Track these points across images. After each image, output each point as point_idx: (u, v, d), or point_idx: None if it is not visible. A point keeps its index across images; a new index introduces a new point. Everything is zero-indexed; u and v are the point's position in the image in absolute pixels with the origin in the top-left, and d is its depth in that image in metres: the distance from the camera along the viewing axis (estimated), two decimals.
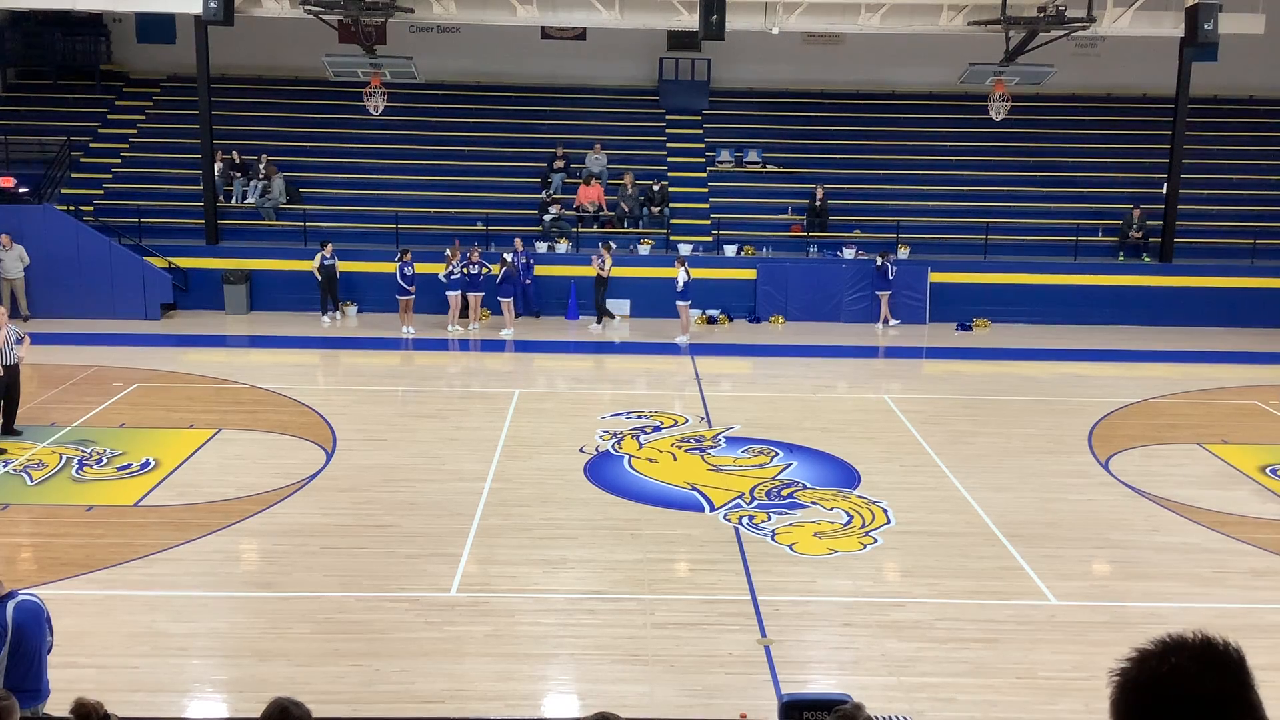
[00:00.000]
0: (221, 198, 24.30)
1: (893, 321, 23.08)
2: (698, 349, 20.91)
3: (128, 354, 19.38)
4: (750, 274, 23.63)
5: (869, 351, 21.20)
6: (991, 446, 15.20)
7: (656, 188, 25.01)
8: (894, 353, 21.34)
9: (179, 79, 26.81)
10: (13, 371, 14.56)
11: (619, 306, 23.59)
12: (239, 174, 24.84)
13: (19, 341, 14.67)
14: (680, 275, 21.30)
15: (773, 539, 11.68)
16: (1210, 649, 1.97)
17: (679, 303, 21.42)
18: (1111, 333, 22.82)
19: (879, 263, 22.86)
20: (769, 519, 12.22)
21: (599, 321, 22.53)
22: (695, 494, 13.00)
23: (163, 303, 22.68)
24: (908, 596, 10.40)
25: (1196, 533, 12.18)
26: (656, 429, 15.55)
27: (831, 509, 12.56)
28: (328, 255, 22.12)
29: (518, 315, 22.35)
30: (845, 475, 13.75)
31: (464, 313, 22.06)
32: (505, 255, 22.02)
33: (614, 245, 22.91)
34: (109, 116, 26.51)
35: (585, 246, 23.95)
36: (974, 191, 25.58)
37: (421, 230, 23.81)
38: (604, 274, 22.20)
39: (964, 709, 8.43)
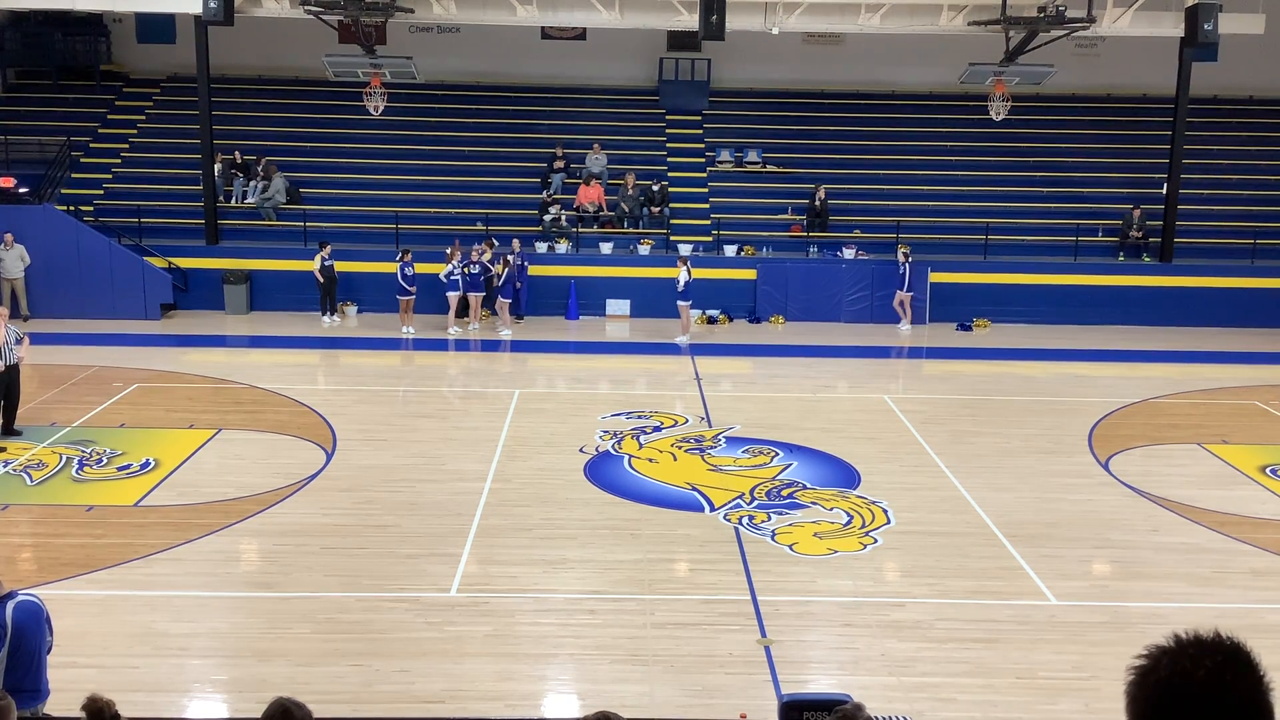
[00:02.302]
0: (221, 198, 24.30)
1: (905, 326, 22.89)
2: (698, 349, 20.90)
3: (128, 354, 19.37)
4: (750, 274, 23.62)
5: (869, 351, 21.18)
6: (991, 446, 15.19)
7: (656, 188, 25.00)
8: (894, 353, 21.34)
9: (179, 79, 26.81)
10: (13, 371, 14.56)
11: (619, 307, 23.60)
12: (240, 174, 24.85)
13: (18, 341, 14.67)
14: (681, 275, 21.28)
15: (773, 539, 11.67)
16: (1241, 654, 2.01)
17: (679, 303, 21.40)
18: (1111, 333, 22.82)
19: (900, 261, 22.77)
20: (769, 519, 12.21)
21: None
22: (695, 494, 13.00)
23: (163, 303, 22.68)
24: (908, 596, 10.39)
25: (1196, 533, 12.18)
26: (656, 429, 15.55)
27: (831, 509, 12.56)
28: (326, 256, 22.11)
29: (517, 317, 22.36)
30: (845, 475, 13.75)
31: (464, 312, 22.06)
32: (507, 256, 22.00)
33: (496, 241, 22.53)
34: (109, 116, 26.52)
35: (585, 247, 23.97)
36: (974, 191, 25.58)
37: (421, 230, 23.81)
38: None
39: (964, 709, 8.43)
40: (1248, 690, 1.98)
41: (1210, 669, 1.98)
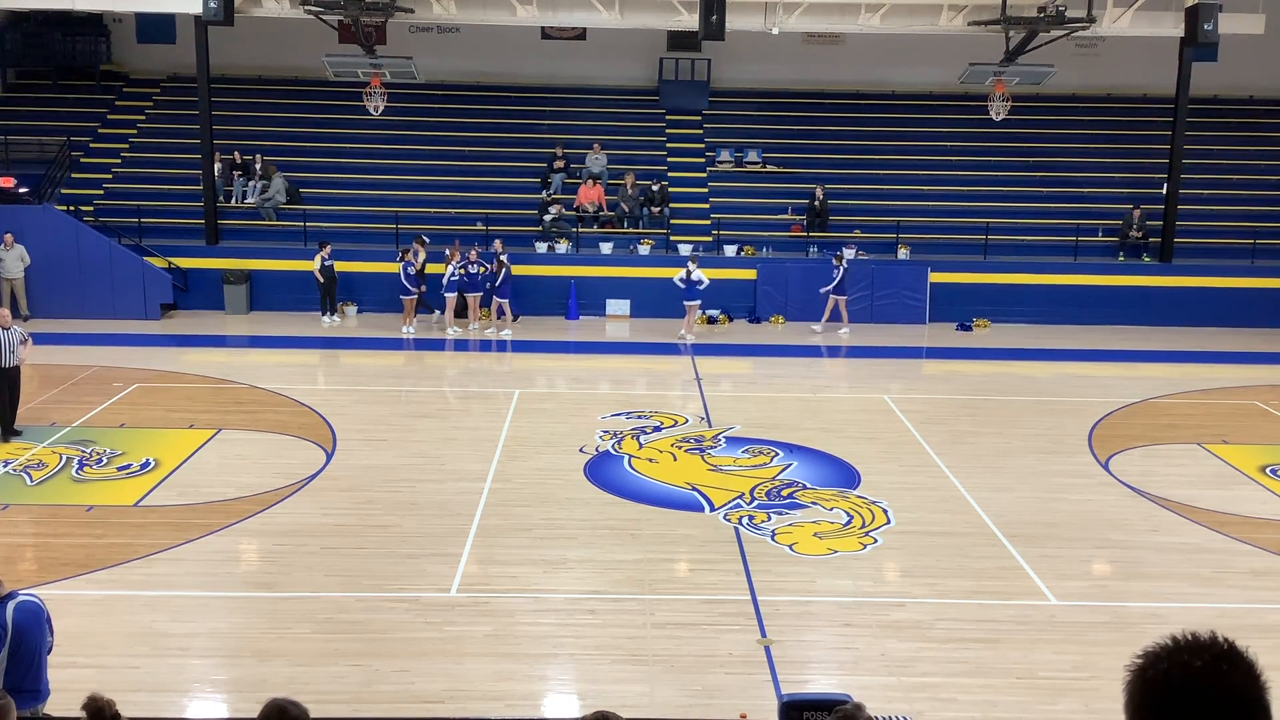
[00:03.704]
0: (221, 198, 24.30)
1: (816, 326, 22.32)
2: (698, 349, 20.90)
3: (128, 354, 19.37)
4: (750, 274, 23.62)
5: (869, 351, 21.18)
6: (991, 446, 15.19)
7: (656, 188, 24.99)
8: (894, 353, 21.32)
9: (179, 79, 26.81)
10: (14, 372, 14.56)
11: (619, 306, 23.60)
12: (240, 174, 24.84)
13: (21, 342, 14.66)
14: (681, 273, 21.26)
15: (773, 539, 11.67)
16: (1235, 652, 2.05)
17: (686, 302, 21.38)
18: (1111, 333, 22.82)
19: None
20: (769, 519, 12.21)
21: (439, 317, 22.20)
22: (695, 494, 13.00)
23: (163, 303, 22.67)
24: (908, 596, 10.40)
25: (1196, 533, 12.18)
26: (656, 429, 15.55)
27: (831, 509, 12.56)
28: (326, 256, 22.11)
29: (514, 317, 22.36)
30: (845, 475, 13.75)
31: (463, 313, 22.05)
32: (500, 256, 21.97)
33: (427, 240, 22.28)
34: (109, 116, 26.51)
35: (585, 247, 23.97)
36: (974, 191, 25.58)
37: (421, 230, 23.78)
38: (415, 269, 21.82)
39: (964, 709, 8.43)
40: (1244, 683, 2.01)
41: (1207, 661, 2.02)
